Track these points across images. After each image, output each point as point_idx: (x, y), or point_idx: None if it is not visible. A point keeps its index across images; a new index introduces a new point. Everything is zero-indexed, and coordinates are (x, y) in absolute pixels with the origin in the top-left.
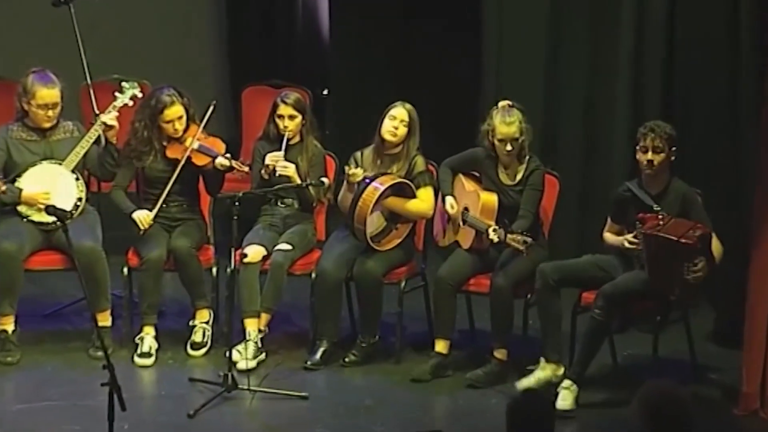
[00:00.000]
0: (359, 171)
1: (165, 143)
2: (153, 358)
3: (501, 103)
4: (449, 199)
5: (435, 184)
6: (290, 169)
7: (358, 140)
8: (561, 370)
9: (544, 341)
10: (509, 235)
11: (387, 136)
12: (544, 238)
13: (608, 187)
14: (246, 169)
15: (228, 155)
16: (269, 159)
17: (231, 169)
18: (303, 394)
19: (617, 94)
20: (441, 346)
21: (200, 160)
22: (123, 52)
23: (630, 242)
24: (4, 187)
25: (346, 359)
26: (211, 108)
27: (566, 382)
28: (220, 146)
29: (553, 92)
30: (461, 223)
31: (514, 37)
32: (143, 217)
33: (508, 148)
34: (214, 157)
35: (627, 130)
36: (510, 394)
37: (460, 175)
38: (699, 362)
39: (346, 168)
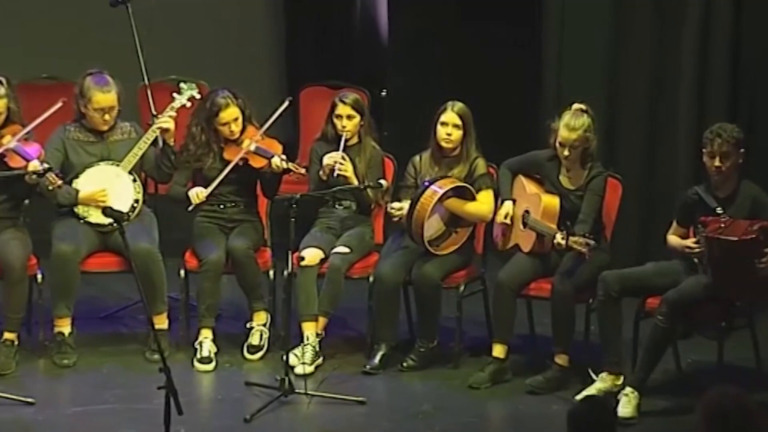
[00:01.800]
0: (403, 206)
1: (223, 145)
2: (213, 363)
3: (574, 106)
4: (505, 207)
5: (495, 187)
6: (348, 170)
7: (416, 142)
8: (620, 381)
9: (603, 351)
10: (572, 238)
11: (442, 144)
12: (606, 242)
13: (672, 191)
14: (302, 171)
15: (284, 157)
16: (327, 159)
17: (287, 170)
18: (360, 399)
19: (681, 95)
20: (499, 350)
21: (257, 162)
22: (181, 53)
23: (690, 246)
24: (59, 182)
25: (404, 364)
26: (286, 103)
27: (628, 389)
28: (276, 147)
29: (615, 93)
30: (522, 226)
31: (576, 37)
32: (198, 191)
33: (566, 153)
34: (270, 158)
35: (691, 131)
36: (571, 401)
37: (521, 177)
38: (765, 369)
39: (389, 208)
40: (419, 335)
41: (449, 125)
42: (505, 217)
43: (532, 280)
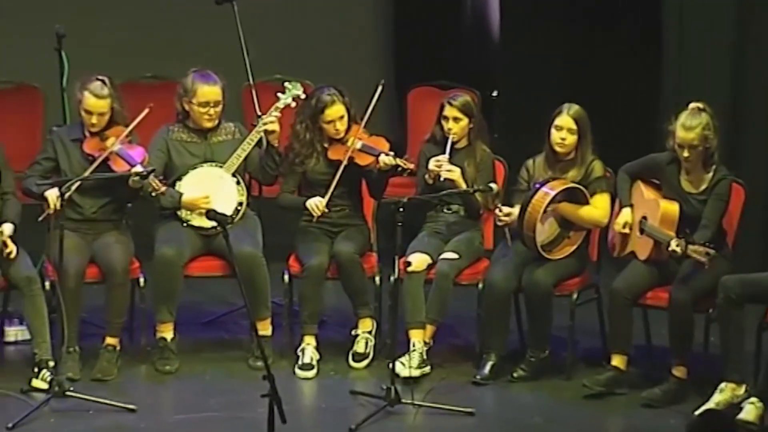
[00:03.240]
0: (512, 212)
1: (327, 145)
2: (315, 370)
3: (691, 105)
4: (624, 215)
5: (612, 191)
6: (455, 174)
7: (528, 145)
8: (741, 391)
9: (724, 359)
10: (691, 246)
11: (556, 148)
12: (728, 249)
13: None
14: (411, 165)
15: (392, 153)
16: (433, 163)
17: (396, 168)
18: (469, 409)
19: None
20: (618, 360)
21: (363, 160)
22: (286, 52)
23: None
24: (163, 188)
25: (514, 374)
26: (380, 88)
27: (752, 399)
28: (383, 145)
29: (738, 94)
30: (639, 233)
31: (696, 38)
32: (317, 202)
33: (686, 154)
34: (377, 156)
35: None
36: (689, 415)
37: (639, 182)
38: None
39: (497, 212)
40: (530, 344)
41: (564, 129)
42: (624, 227)
43: (649, 289)
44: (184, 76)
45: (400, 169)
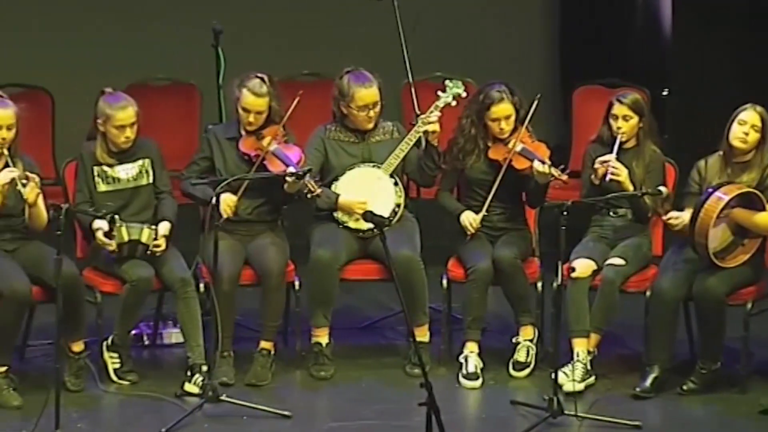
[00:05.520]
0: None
1: (489, 143)
2: (480, 380)
3: None
4: None
5: None
6: (622, 174)
7: (700, 146)
8: None
9: None
10: None
11: (736, 143)
12: None
13: None
14: (564, 177)
15: (548, 161)
16: (599, 163)
17: (549, 177)
18: (635, 423)
19: None
20: None
21: (520, 164)
22: (447, 49)
23: None
24: (319, 190)
25: (684, 387)
26: (536, 103)
27: None
28: (543, 151)
29: None
30: None
31: None
32: (472, 219)
33: None
34: (533, 161)
35: None
36: None
37: None
38: None
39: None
40: (701, 356)
41: (748, 124)
42: None
43: None
44: (338, 78)
45: (553, 178)
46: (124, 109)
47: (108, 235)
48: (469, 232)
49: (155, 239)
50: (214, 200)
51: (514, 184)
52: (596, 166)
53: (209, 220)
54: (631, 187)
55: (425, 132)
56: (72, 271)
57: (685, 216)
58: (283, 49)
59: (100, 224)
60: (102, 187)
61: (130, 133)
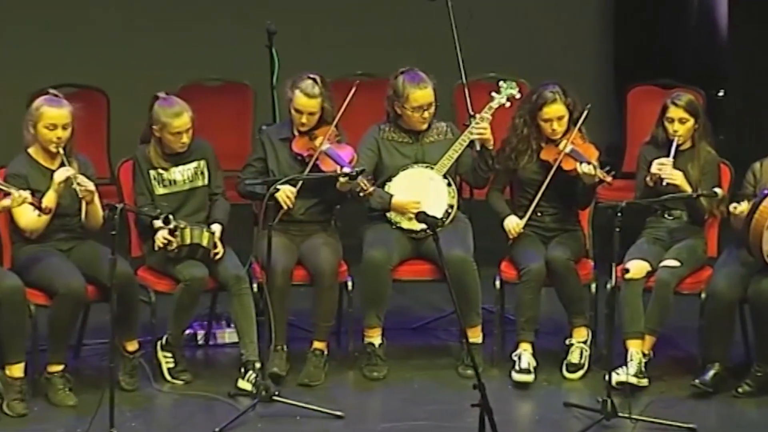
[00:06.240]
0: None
1: (542, 144)
2: (533, 375)
3: None
4: None
5: None
6: (678, 178)
7: (756, 147)
8: None
9: None
10: None
11: None
12: None
13: None
14: (609, 179)
15: (594, 163)
16: (655, 166)
17: (595, 179)
18: (690, 425)
19: None
20: None
21: (568, 165)
22: (501, 49)
23: None
24: (372, 189)
25: (739, 389)
26: (585, 112)
27: None
28: (592, 153)
29: None
30: None
31: None
32: (513, 225)
33: None
34: (581, 163)
35: None
36: None
37: None
38: None
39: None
40: (756, 358)
41: None
42: None
43: None
44: (393, 78)
45: (598, 180)
46: (180, 116)
47: (170, 234)
48: (510, 237)
49: (215, 245)
50: (267, 200)
51: (564, 185)
52: (653, 168)
53: (263, 219)
54: (689, 189)
55: (477, 134)
56: (126, 270)
57: (745, 206)
58: (337, 49)
59: (161, 224)
60: (159, 190)
61: (186, 138)
